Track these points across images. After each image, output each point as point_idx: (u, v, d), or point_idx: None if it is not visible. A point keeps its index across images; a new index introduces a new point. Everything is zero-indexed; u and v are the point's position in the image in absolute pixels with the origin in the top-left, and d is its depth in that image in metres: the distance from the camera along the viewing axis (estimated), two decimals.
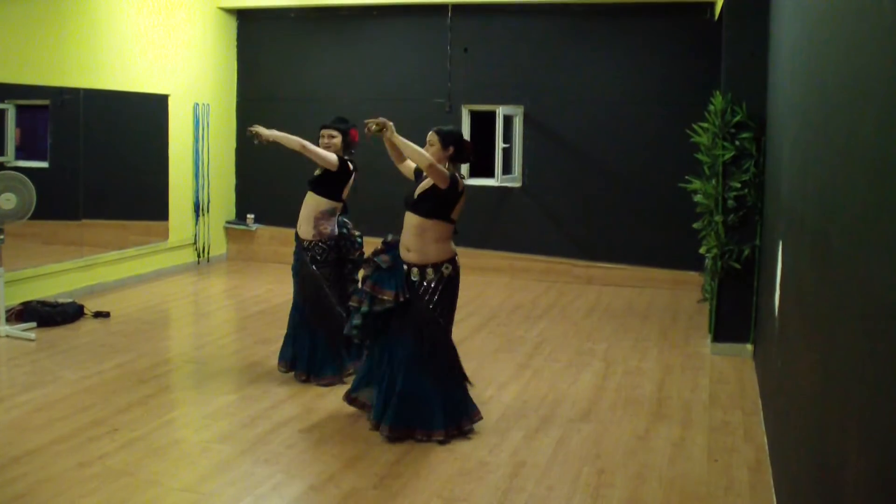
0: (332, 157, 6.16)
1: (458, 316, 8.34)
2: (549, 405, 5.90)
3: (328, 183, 6.25)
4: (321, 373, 6.23)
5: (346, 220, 6.45)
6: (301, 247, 6.32)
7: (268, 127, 6.38)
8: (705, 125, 7.24)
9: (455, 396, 5.24)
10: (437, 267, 5.19)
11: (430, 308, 5.18)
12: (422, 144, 5.24)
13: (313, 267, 6.23)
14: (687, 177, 7.64)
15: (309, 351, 6.25)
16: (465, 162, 5.37)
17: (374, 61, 11.04)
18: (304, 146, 6.11)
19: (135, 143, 10.36)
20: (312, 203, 6.27)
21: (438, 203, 5.16)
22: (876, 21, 2.24)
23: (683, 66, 9.96)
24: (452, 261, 5.24)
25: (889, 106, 2.05)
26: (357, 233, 6.47)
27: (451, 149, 5.23)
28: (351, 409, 5.59)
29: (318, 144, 6.24)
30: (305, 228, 6.27)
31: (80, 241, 9.25)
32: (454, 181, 5.13)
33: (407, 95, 10.79)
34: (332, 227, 6.27)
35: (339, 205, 6.33)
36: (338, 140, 6.26)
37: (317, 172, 6.27)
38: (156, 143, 10.39)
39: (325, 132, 6.28)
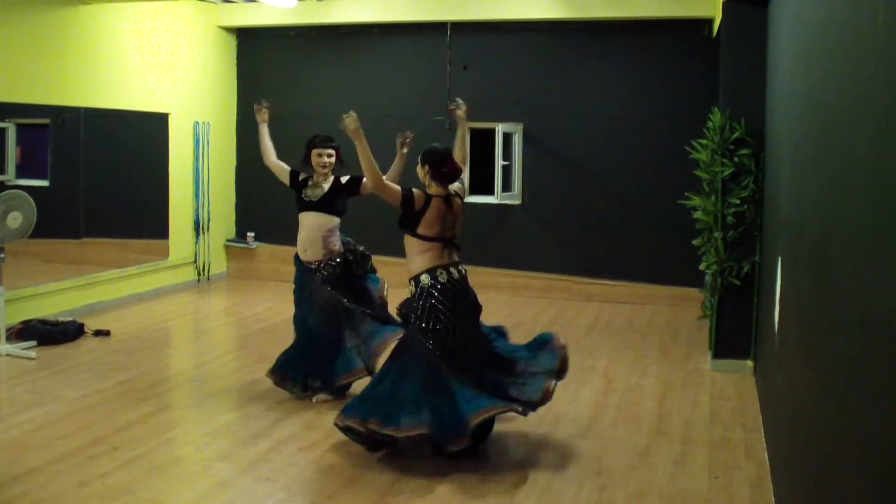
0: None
1: None
2: (550, 422, 5.90)
3: (338, 200, 6.27)
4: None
5: (347, 237, 6.46)
6: (308, 270, 6.23)
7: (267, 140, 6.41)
8: (704, 142, 7.26)
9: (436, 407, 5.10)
10: (416, 279, 5.20)
11: (415, 323, 5.16)
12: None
13: (328, 288, 6.14)
14: (686, 193, 7.65)
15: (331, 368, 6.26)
16: (448, 179, 5.30)
17: (374, 79, 11.08)
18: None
19: (135, 162, 10.39)
20: (320, 222, 6.19)
21: (403, 218, 5.24)
22: (871, 37, 2.25)
23: (682, 83, 10.00)
24: (430, 272, 5.16)
25: (886, 121, 2.06)
26: (361, 247, 6.45)
27: (427, 166, 5.28)
28: None
29: (309, 162, 6.27)
30: (313, 251, 6.18)
31: (80, 259, 9.26)
32: (406, 199, 5.16)
33: (407, 113, 10.81)
34: (339, 244, 6.29)
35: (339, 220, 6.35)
36: (334, 159, 6.32)
37: (323, 192, 6.23)
38: (156, 161, 10.42)
39: (321, 151, 6.28)
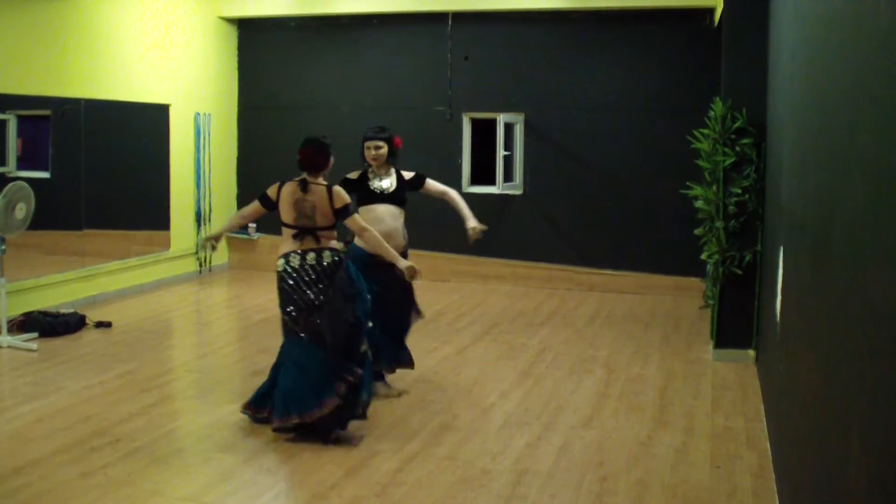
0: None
1: (460, 324, 8.45)
2: (552, 412, 5.90)
3: (404, 193, 6.23)
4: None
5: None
6: (380, 262, 5.90)
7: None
8: (706, 131, 7.24)
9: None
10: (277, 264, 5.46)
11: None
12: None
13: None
14: (688, 183, 7.64)
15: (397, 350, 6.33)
16: (300, 166, 5.49)
17: (375, 69, 11.05)
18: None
19: (136, 153, 10.37)
20: (395, 213, 6.11)
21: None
22: (873, 26, 2.24)
23: (683, 73, 9.97)
24: (284, 257, 5.37)
25: (887, 110, 2.05)
26: None
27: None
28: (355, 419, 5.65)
29: (364, 156, 6.19)
30: (394, 241, 5.96)
31: (81, 251, 9.26)
32: (266, 202, 5.55)
33: (407, 103, 10.80)
34: None
35: None
36: (384, 150, 6.15)
37: (392, 185, 6.15)
38: (157, 152, 10.41)
39: (370, 144, 6.16)
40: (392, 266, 5.83)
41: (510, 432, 5.50)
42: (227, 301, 10.00)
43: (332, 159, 5.54)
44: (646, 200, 10.19)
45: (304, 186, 5.40)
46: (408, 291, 6.24)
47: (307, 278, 5.29)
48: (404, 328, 6.36)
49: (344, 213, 5.42)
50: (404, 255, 6.05)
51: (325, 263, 5.32)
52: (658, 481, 4.77)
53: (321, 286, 5.29)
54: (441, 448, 5.20)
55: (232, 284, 10.72)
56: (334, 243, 5.46)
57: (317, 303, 5.28)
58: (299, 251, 5.33)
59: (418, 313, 6.46)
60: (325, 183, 5.45)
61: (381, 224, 5.98)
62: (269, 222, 11.32)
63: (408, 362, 6.38)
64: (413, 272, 5.58)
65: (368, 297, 5.51)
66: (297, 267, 5.30)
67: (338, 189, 5.46)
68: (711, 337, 7.43)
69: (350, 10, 10.81)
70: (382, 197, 6.11)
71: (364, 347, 5.46)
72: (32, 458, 4.94)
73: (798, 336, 3.91)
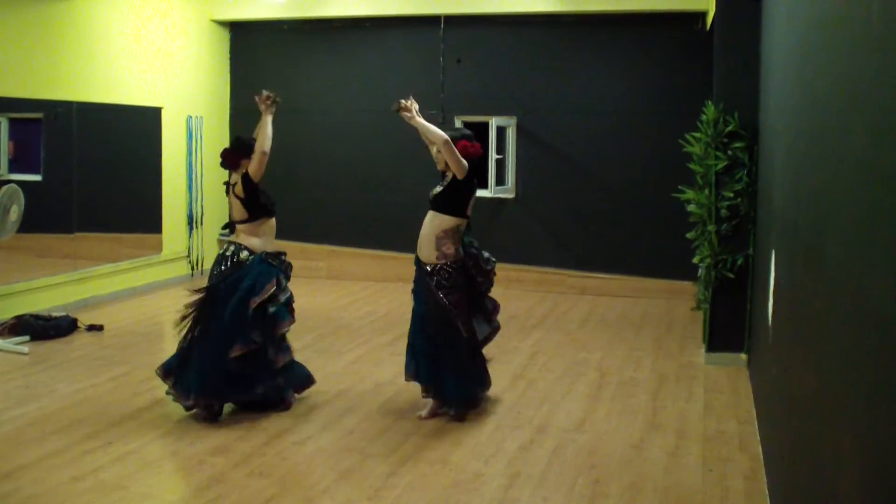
0: (465, 163, 5.72)
1: None
2: (544, 415, 5.90)
3: (452, 198, 5.73)
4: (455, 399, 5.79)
5: (471, 239, 6.27)
6: (422, 271, 5.75)
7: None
8: (698, 135, 7.26)
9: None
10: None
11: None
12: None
13: (440, 295, 5.63)
14: (680, 186, 7.65)
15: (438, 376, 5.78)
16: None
17: (368, 73, 11.05)
18: (446, 142, 5.67)
19: (128, 156, 10.35)
20: (435, 221, 5.71)
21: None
22: (865, 30, 2.25)
23: (675, 77, 10.00)
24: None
25: (880, 113, 2.06)
26: (486, 253, 6.62)
27: None
28: (347, 422, 5.65)
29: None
30: (426, 251, 5.70)
31: (73, 254, 9.23)
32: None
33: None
34: (456, 247, 5.73)
35: (464, 222, 5.80)
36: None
37: (437, 190, 5.78)
38: (149, 155, 10.38)
39: None
40: (428, 277, 5.68)
41: (502, 435, 5.50)
42: None
43: (252, 157, 5.78)
44: (638, 204, 10.21)
45: (227, 186, 5.86)
46: (442, 308, 5.65)
47: (216, 267, 5.80)
48: (446, 354, 5.72)
49: (250, 185, 5.73)
50: (441, 269, 5.66)
51: (225, 255, 5.76)
52: (650, 484, 4.78)
53: (216, 274, 5.78)
54: (433, 451, 5.20)
55: None
56: (251, 240, 5.78)
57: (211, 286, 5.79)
58: (226, 242, 5.90)
59: (478, 335, 5.98)
60: (237, 180, 5.82)
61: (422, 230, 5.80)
62: None
63: (462, 399, 5.79)
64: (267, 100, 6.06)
65: (274, 310, 5.72)
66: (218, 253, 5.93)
67: (239, 183, 5.78)
68: (704, 340, 7.45)
69: (342, 14, 10.81)
70: (430, 202, 5.80)
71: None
72: (24, 462, 4.92)
73: (790, 339, 3.92)
